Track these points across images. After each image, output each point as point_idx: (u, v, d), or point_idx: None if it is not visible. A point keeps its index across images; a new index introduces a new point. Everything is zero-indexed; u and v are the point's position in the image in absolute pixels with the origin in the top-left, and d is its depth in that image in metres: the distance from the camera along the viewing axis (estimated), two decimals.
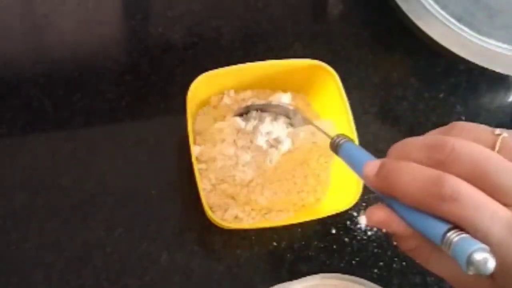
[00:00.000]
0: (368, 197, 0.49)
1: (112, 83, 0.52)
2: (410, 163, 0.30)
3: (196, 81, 0.45)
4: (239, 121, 0.48)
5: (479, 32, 0.54)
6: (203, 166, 0.46)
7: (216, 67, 0.46)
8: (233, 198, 0.46)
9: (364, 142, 0.47)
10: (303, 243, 0.47)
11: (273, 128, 0.48)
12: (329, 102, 0.49)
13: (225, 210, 0.46)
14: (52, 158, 0.48)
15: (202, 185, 0.45)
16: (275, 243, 0.47)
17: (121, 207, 0.47)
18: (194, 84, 0.45)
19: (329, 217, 0.45)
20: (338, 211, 0.44)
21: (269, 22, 0.57)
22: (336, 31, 0.58)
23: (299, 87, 0.51)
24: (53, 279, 0.44)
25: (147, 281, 0.44)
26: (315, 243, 0.47)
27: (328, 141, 0.38)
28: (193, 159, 0.44)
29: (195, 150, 0.45)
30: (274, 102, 0.49)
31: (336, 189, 0.47)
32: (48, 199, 0.46)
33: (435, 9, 0.54)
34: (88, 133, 0.50)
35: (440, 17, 0.54)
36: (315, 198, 0.47)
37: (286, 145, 0.47)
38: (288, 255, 0.46)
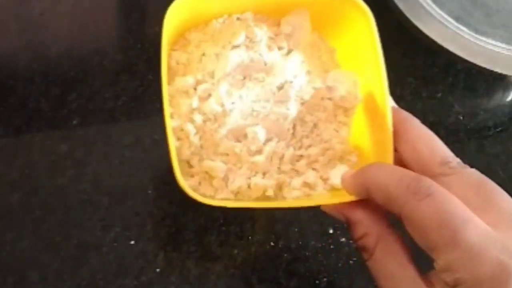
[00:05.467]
0: None
1: (108, 83, 0.52)
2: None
3: (174, 4, 0.32)
4: (235, 56, 0.36)
5: (477, 31, 0.53)
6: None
7: None
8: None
9: None
10: (300, 243, 0.47)
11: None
12: (356, 49, 0.38)
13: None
14: (48, 157, 0.48)
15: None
16: (272, 243, 0.47)
17: (117, 207, 0.47)
18: (171, 9, 0.32)
19: (326, 216, 0.44)
20: (334, 203, 0.39)
21: None
22: None
23: (318, 25, 0.39)
24: (49, 279, 0.44)
25: (143, 281, 0.44)
26: (312, 243, 0.47)
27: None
28: (167, 119, 0.35)
29: (169, 109, 0.36)
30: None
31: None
32: (44, 199, 0.46)
33: (433, 8, 0.54)
34: (84, 132, 0.49)
35: (438, 16, 0.54)
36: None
37: (293, 107, 0.38)
38: (285, 255, 0.46)
